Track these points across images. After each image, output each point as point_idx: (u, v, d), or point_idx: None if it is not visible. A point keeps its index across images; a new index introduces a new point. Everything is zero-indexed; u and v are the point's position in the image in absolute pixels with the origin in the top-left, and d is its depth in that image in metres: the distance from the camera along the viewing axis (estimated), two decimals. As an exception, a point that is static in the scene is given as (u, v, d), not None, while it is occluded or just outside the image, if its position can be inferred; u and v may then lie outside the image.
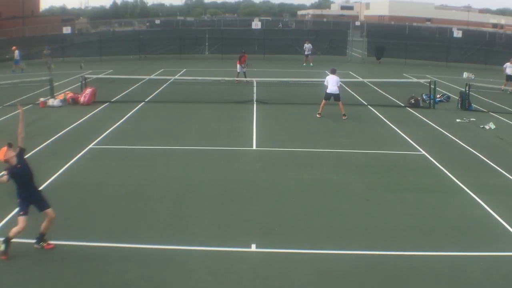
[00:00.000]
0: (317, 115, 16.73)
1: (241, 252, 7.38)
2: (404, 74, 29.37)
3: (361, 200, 9.47)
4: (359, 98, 20.50)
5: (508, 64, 24.16)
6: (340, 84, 17.13)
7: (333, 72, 16.97)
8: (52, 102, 18.28)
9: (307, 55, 33.75)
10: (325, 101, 16.85)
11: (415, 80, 25.26)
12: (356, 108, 18.64)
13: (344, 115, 16.59)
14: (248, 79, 23.14)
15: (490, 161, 12.05)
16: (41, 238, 7.25)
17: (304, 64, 32.90)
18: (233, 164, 11.53)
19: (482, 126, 15.94)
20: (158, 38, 42.53)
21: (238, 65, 24.66)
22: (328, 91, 16.70)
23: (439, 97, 20.38)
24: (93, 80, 20.99)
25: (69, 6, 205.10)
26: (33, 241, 7.30)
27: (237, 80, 23.05)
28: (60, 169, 10.86)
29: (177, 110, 17.69)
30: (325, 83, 16.98)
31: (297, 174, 10.85)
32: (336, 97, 16.74)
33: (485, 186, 10.36)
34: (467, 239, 7.97)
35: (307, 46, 33.94)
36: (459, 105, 19.10)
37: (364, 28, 47.13)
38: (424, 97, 19.78)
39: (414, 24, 74.35)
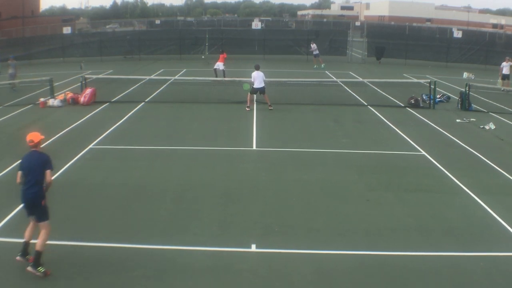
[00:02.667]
0: (246, 109, 17.47)
1: (241, 252, 7.38)
2: (404, 74, 29.36)
3: (361, 200, 9.47)
4: (359, 98, 20.49)
5: (504, 63, 24.23)
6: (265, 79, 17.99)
7: (258, 68, 17.85)
8: (52, 102, 18.27)
9: (315, 56, 32.75)
10: (251, 95, 17.94)
11: (415, 80, 25.26)
12: (356, 108, 18.64)
13: (270, 105, 17.60)
14: (227, 78, 22.88)
15: (490, 161, 12.04)
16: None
17: (315, 66, 32.08)
18: (233, 164, 11.53)
19: (482, 127, 15.93)
20: (158, 38, 42.50)
21: (217, 63, 24.56)
22: (256, 86, 17.63)
23: (439, 97, 20.38)
24: (93, 80, 20.99)
25: (69, 6, 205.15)
26: (33, 241, 7.29)
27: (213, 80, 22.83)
28: (60, 169, 10.84)
29: (177, 110, 17.69)
30: (252, 79, 17.76)
31: (297, 174, 10.84)
32: (262, 90, 17.76)
33: (485, 186, 10.35)
34: (467, 239, 7.97)
35: (313, 46, 32.92)
36: (459, 105, 19.09)
37: (364, 28, 47.09)
38: (424, 97, 19.78)
39: (414, 24, 74.25)
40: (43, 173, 6.61)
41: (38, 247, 6.55)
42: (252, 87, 17.75)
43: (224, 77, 23.74)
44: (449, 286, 6.61)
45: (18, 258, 6.70)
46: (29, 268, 6.48)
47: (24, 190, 6.63)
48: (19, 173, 6.76)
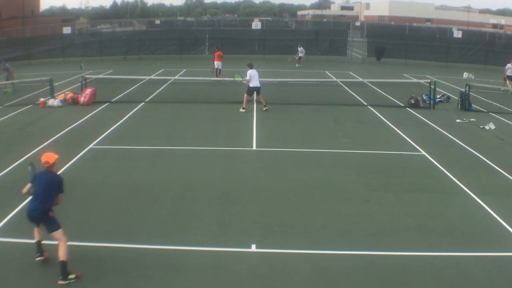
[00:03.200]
0: (242, 110, 17.08)
1: (241, 252, 7.38)
2: (404, 75, 29.37)
3: (361, 200, 9.47)
4: (359, 98, 20.50)
5: (509, 65, 24.26)
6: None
7: (252, 66, 17.37)
8: (52, 102, 18.27)
9: (300, 57, 33.72)
10: (248, 97, 17.33)
11: (415, 80, 25.26)
12: (356, 108, 18.64)
13: (265, 105, 17.22)
14: (219, 78, 23.24)
15: (490, 162, 12.04)
16: None
17: (297, 65, 32.98)
18: (233, 164, 11.53)
19: (482, 127, 15.94)
20: (158, 38, 42.51)
21: (215, 62, 25.59)
22: (252, 85, 17.08)
23: (439, 98, 20.38)
24: (93, 80, 20.99)
25: (69, 6, 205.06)
26: (33, 241, 7.31)
27: (218, 75, 24.65)
28: (60, 169, 10.82)
29: (177, 110, 17.68)
30: (247, 77, 17.21)
31: (297, 174, 10.84)
32: (258, 90, 17.30)
33: (485, 186, 10.35)
34: (467, 239, 7.97)
35: (300, 49, 34.00)
36: (459, 106, 19.10)
37: (364, 29, 47.10)
38: (424, 97, 19.78)
39: (414, 24, 74.28)
40: (54, 194, 6.70)
41: (61, 258, 6.46)
42: (249, 86, 17.26)
43: (219, 75, 24.66)
44: (449, 286, 6.60)
45: (38, 259, 6.78)
46: (60, 282, 6.38)
47: (31, 207, 6.61)
48: (29, 185, 6.81)
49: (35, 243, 6.86)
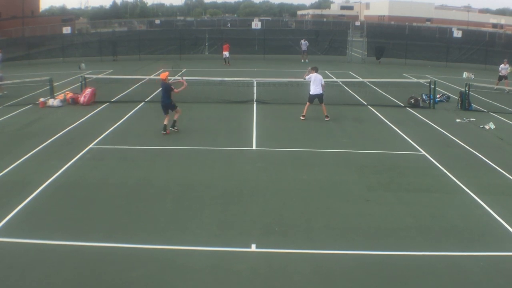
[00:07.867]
0: (301, 118, 16.13)
1: (241, 252, 7.38)
2: (404, 74, 29.38)
3: (361, 200, 9.47)
4: (359, 98, 20.50)
5: (502, 65, 24.39)
6: (324, 82, 16.38)
7: (316, 70, 16.32)
8: (52, 102, 18.27)
9: (304, 51, 35.44)
10: (309, 104, 16.24)
11: (415, 80, 25.25)
12: (356, 108, 18.64)
13: (327, 116, 16.19)
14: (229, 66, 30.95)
15: (490, 161, 12.05)
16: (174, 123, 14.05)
17: (303, 61, 33.61)
18: (233, 164, 11.53)
19: (482, 126, 15.94)
20: (158, 38, 42.49)
21: (224, 52, 33.08)
22: (312, 92, 16.02)
23: (439, 97, 20.39)
24: (93, 80, 20.98)
25: (69, 6, 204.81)
26: (33, 241, 7.33)
27: (228, 63, 32.28)
28: (60, 169, 10.86)
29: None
30: (309, 80, 16.15)
31: (297, 174, 10.85)
32: (320, 97, 16.11)
33: (485, 186, 10.35)
34: (467, 239, 7.97)
35: (304, 42, 35.81)
36: (459, 105, 19.10)
37: (364, 28, 47.07)
38: (424, 97, 19.78)
39: (414, 24, 74.29)
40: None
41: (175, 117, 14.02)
42: (309, 93, 16.08)
43: (228, 63, 32.34)
44: (449, 286, 6.61)
45: (162, 132, 13.73)
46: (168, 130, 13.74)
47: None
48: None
49: (163, 125, 13.81)
